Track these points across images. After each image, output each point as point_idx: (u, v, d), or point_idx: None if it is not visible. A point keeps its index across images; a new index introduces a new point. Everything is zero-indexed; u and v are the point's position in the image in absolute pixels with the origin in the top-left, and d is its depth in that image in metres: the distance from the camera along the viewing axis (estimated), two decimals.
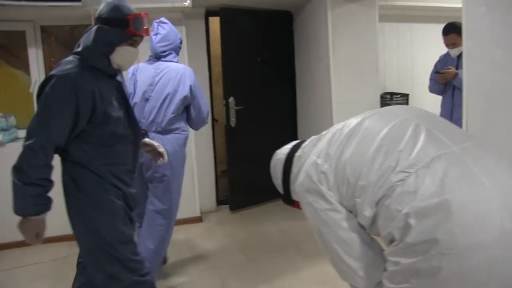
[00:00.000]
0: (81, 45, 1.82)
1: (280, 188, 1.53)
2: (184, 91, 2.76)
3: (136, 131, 1.97)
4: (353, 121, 1.31)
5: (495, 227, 0.94)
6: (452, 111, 3.66)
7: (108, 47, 1.79)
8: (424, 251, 0.98)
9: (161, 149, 2.33)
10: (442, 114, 3.88)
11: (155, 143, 2.34)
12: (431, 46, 4.91)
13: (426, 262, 0.98)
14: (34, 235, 1.75)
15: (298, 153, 1.44)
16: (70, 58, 1.81)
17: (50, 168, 1.74)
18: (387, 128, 1.19)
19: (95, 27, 1.80)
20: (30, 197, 1.69)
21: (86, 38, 1.81)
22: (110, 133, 1.83)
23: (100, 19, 1.82)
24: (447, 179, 1.00)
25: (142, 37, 1.88)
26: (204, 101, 2.93)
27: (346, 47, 3.98)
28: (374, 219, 1.14)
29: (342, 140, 1.26)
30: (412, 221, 1.00)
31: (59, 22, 3.91)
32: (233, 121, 4.37)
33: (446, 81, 3.66)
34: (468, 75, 2.23)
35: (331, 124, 4.04)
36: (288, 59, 4.80)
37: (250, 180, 4.42)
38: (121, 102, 1.91)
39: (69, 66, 1.75)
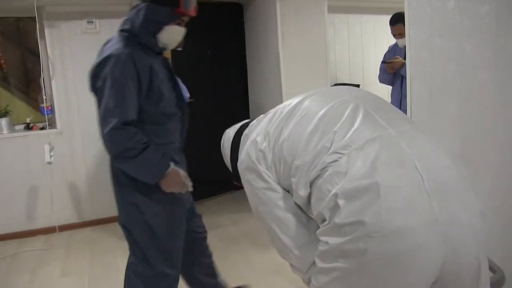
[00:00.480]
0: (129, 22, 1.79)
1: (229, 166, 1.51)
2: None
3: (183, 109, 1.96)
4: (294, 100, 1.29)
5: (423, 212, 0.94)
6: (401, 101, 3.70)
7: (157, 25, 1.76)
8: (351, 232, 0.97)
9: None
10: (392, 104, 3.94)
11: None
12: (382, 37, 5.01)
13: (352, 243, 0.97)
14: (181, 183, 1.81)
15: (245, 131, 1.42)
16: (117, 36, 1.79)
17: (140, 132, 1.73)
18: (326, 108, 1.17)
19: (144, 4, 1.74)
20: (148, 159, 1.70)
21: (135, 16, 1.76)
22: (162, 111, 1.82)
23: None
24: (378, 161, 0.99)
25: (190, 16, 1.83)
26: None
27: (295, 39, 3.95)
28: (308, 199, 1.13)
29: (281, 119, 1.25)
30: (340, 201, 0.98)
31: (2, 14, 3.75)
32: None
33: (394, 70, 3.69)
34: (411, 63, 2.24)
35: None
36: (240, 51, 4.74)
37: (202, 173, 4.34)
38: (169, 79, 1.89)
39: (121, 44, 1.73)
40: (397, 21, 3.62)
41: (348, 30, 5.01)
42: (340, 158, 1.04)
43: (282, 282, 2.76)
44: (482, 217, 1.02)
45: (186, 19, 1.84)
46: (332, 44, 4.71)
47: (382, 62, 3.81)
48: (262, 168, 1.23)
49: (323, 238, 1.07)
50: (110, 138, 1.67)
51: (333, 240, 1.02)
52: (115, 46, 1.73)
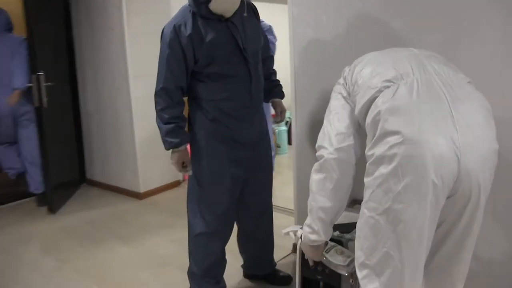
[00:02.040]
0: None
1: None
2: None
3: (252, 70, 2.04)
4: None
5: (448, 136, 1.16)
6: None
7: None
8: (389, 141, 1.19)
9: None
10: None
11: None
12: None
13: (390, 150, 1.18)
14: (180, 165, 2.05)
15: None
16: (183, 6, 1.99)
17: (178, 107, 2.01)
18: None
19: None
20: (169, 133, 1.98)
21: None
22: (217, 72, 1.98)
23: None
24: (420, 93, 1.22)
25: None
26: None
27: (140, 18, 3.76)
28: (366, 112, 1.34)
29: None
30: (385, 116, 1.22)
31: None
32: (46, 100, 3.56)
33: None
34: (295, 39, 2.43)
35: (129, 97, 3.91)
36: (65, 31, 4.18)
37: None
38: (231, 43, 1.97)
39: (175, 17, 1.97)
40: None
41: None
42: (392, 85, 1.26)
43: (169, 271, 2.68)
44: (494, 153, 1.24)
45: None
46: None
47: None
48: (342, 82, 1.54)
49: (370, 152, 1.25)
50: (155, 99, 2.01)
51: (378, 150, 1.21)
52: (171, 20, 1.98)
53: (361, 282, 1.33)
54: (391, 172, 1.18)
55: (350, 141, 1.42)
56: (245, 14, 2.02)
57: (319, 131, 1.55)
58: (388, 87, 1.26)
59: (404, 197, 1.17)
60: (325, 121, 1.53)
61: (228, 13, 1.95)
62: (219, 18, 1.94)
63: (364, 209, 1.31)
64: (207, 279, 2.20)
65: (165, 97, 1.96)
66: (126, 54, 3.72)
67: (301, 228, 1.68)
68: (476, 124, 1.20)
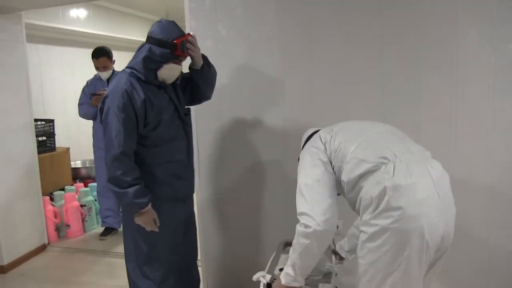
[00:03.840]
0: (133, 59, 2.05)
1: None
2: None
3: (187, 131, 2.21)
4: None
5: (435, 205, 1.45)
6: None
7: (156, 64, 2.00)
8: (392, 215, 1.42)
9: None
10: (95, 139, 3.99)
11: None
12: (80, 70, 5.02)
13: (396, 223, 1.42)
14: (152, 222, 2.07)
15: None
16: (123, 72, 2.06)
17: (137, 169, 2.02)
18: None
19: (147, 45, 2.01)
20: (137, 194, 1.97)
21: (139, 54, 2.04)
22: (161, 136, 2.08)
23: (151, 39, 2.01)
24: (413, 170, 1.48)
25: (186, 57, 2.09)
26: None
27: None
28: (354, 183, 1.56)
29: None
30: (389, 192, 1.43)
31: None
32: None
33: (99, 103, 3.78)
34: None
35: None
36: None
37: None
38: (171, 107, 2.12)
39: (122, 80, 1.99)
40: (102, 54, 3.78)
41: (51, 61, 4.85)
42: (388, 162, 1.49)
43: None
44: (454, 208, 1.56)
45: (183, 58, 2.08)
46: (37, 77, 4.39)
47: (91, 94, 3.81)
48: (322, 148, 1.66)
49: (374, 222, 1.44)
50: (108, 165, 1.97)
51: (382, 222, 1.42)
52: (117, 82, 2.00)
53: None
54: (396, 242, 1.41)
55: (333, 210, 1.57)
56: (178, 82, 2.16)
57: None
58: (384, 163, 1.49)
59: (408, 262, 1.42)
60: (303, 186, 1.63)
61: (171, 80, 2.10)
62: (160, 85, 2.07)
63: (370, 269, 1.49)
64: None
65: (127, 160, 1.97)
66: None
67: (266, 274, 1.82)
68: (448, 192, 1.53)
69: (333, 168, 1.64)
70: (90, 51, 3.84)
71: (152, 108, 2.02)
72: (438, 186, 1.47)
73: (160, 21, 2.05)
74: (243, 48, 2.53)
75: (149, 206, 2.05)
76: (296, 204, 1.63)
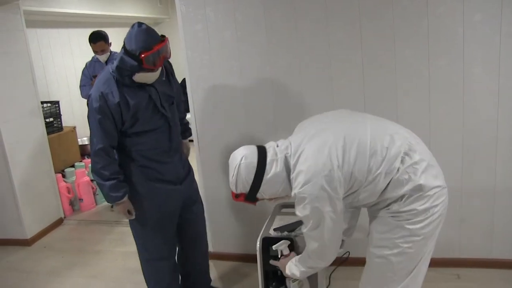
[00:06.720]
0: (114, 63, 2.11)
1: (244, 189, 1.66)
2: None
3: (169, 120, 2.29)
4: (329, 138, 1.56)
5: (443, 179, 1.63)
6: None
7: (129, 72, 2.05)
8: (426, 196, 1.55)
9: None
10: None
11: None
12: (81, 52, 5.12)
13: (430, 203, 1.55)
14: (127, 213, 2.29)
15: (270, 158, 1.62)
16: (105, 72, 2.15)
17: (115, 163, 2.21)
18: (369, 135, 1.56)
19: (120, 53, 2.06)
20: (112, 188, 2.17)
21: (115, 60, 2.10)
22: (141, 129, 2.20)
23: (123, 47, 2.06)
24: (426, 169, 1.58)
25: (156, 68, 2.08)
26: None
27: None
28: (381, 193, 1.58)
29: (340, 153, 1.52)
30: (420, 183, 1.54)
31: None
32: None
33: None
34: (190, 63, 2.79)
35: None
36: None
37: None
38: (151, 105, 2.19)
39: (101, 82, 2.12)
40: (99, 39, 3.93)
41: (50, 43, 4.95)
42: (411, 153, 1.56)
43: None
44: None
45: (155, 69, 2.09)
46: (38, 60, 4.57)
47: (93, 76, 4.00)
48: (335, 196, 1.50)
49: (410, 207, 1.53)
50: (92, 159, 2.18)
51: (419, 206, 1.52)
52: (98, 81, 2.13)
53: None
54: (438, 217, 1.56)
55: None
56: (163, 79, 2.26)
57: None
58: (408, 154, 1.54)
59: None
60: (327, 241, 1.60)
61: (149, 82, 2.15)
62: (141, 85, 2.14)
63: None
64: None
65: (104, 155, 2.13)
66: None
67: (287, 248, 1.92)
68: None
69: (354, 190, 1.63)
70: (86, 30, 4.02)
71: (127, 109, 2.10)
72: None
73: (133, 27, 2.04)
74: (231, 30, 2.69)
75: (124, 199, 2.21)
76: (313, 240, 1.64)
